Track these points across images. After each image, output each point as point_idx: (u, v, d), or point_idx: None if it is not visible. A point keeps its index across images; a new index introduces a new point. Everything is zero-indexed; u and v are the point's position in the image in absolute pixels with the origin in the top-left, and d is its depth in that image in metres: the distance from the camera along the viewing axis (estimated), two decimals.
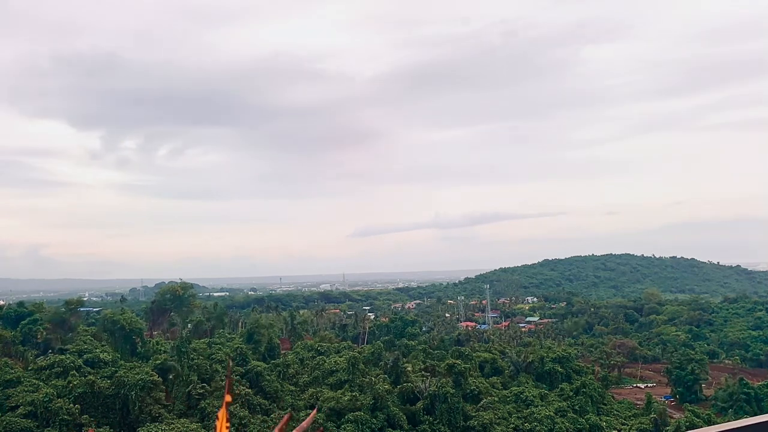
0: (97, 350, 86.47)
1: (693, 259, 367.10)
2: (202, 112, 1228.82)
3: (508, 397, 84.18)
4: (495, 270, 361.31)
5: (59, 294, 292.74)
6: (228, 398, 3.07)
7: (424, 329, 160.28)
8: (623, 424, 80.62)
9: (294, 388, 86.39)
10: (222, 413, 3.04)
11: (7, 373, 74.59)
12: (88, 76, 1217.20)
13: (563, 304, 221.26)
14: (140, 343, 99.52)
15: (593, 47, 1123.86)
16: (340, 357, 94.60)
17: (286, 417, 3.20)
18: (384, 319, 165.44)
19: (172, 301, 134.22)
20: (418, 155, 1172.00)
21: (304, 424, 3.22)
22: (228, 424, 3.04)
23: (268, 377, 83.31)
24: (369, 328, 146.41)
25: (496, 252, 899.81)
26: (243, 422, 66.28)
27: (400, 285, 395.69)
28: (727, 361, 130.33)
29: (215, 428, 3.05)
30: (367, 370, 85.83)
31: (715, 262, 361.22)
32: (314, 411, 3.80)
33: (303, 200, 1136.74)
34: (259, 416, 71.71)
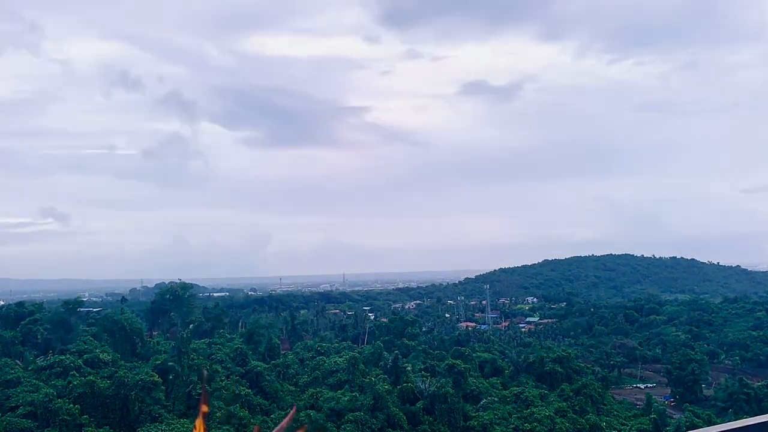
0: (97, 350, 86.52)
1: (693, 259, 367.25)
2: None
3: (508, 397, 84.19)
4: (495, 270, 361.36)
5: (59, 294, 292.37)
6: (204, 408, 3.09)
7: (424, 329, 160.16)
8: (623, 425, 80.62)
9: (294, 389, 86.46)
10: (199, 423, 3.05)
11: (7, 373, 74.65)
12: None
13: (563, 304, 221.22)
14: (140, 343, 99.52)
15: None
16: (340, 357, 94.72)
17: (292, 412, 3.21)
18: (384, 319, 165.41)
19: (172, 301, 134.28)
20: None
21: (282, 423, 3.22)
22: None
23: (268, 377, 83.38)
24: (369, 328, 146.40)
25: (496, 252, 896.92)
26: (243, 422, 66.26)
27: (400, 285, 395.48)
28: (727, 361, 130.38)
29: None
30: (367, 370, 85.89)
31: (715, 262, 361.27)
32: (293, 410, 3.81)
33: None
34: (259, 416, 71.72)
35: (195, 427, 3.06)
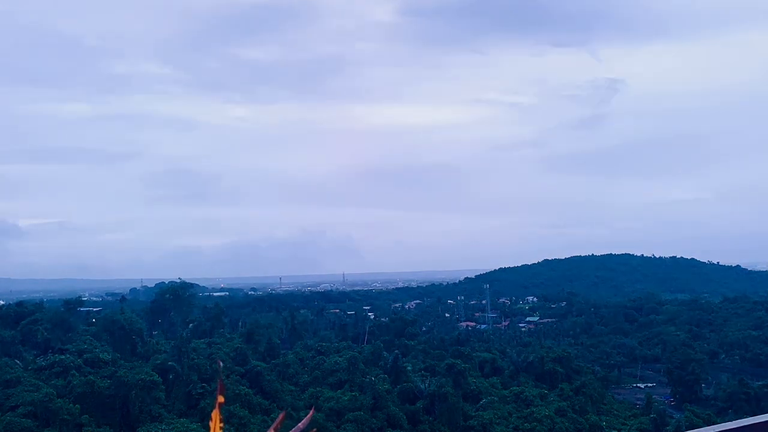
0: (97, 350, 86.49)
1: (693, 259, 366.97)
2: None
3: (508, 396, 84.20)
4: (495, 270, 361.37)
5: (59, 294, 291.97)
6: (221, 399, 3.07)
7: (423, 329, 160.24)
8: (623, 424, 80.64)
9: (294, 388, 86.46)
10: (215, 414, 3.04)
11: (7, 373, 74.60)
12: None
13: (563, 304, 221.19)
14: (140, 343, 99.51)
15: None
16: (340, 357, 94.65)
17: (281, 416, 3.21)
18: (384, 319, 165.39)
19: (172, 301, 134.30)
20: None
21: (300, 424, 3.23)
22: (222, 425, 3.04)
23: (268, 377, 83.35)
24: (369, 328, 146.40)
25: (496, 252, 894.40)
26: (243, 422, 66.30)
27: (400, 285, 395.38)
28: (727, 361, 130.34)
29: (209, 429, 3.05)
30: (367, 370, 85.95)
31: (715, 262, 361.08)
32: (311, 411, 3.81)
33: None
34: (259, 416, 71.72)
35: (212, 418, 3.05)
